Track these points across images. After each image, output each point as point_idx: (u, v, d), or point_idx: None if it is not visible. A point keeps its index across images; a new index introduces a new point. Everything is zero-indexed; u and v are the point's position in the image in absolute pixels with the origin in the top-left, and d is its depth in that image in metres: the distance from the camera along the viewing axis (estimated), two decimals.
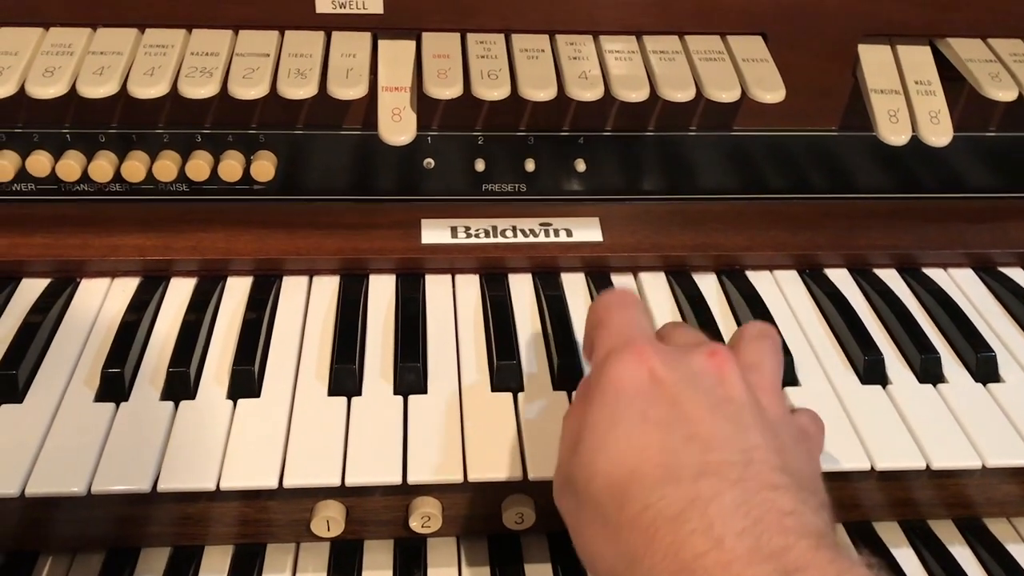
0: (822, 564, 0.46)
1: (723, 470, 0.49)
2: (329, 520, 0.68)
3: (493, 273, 0.83)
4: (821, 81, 0.84)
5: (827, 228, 0.87)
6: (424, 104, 0.77)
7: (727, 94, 0.76)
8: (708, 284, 0.83)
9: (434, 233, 0.84)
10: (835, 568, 0.46)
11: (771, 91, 0.76)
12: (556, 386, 0.72)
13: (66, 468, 0.63)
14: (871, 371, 0.74)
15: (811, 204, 0.89)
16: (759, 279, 0.84)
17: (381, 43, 0.79)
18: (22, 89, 0.72)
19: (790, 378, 0.73)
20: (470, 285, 0.82)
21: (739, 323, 0.79)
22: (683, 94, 0.75)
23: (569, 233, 0.84)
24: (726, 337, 0.75)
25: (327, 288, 0.81)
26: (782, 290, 0.83)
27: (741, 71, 0.78)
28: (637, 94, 0.75)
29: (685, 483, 0.48)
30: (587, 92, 0.74)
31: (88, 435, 0.65)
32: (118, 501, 0.66)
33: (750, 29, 0.82)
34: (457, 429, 0.67)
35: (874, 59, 0.82)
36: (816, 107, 0.85)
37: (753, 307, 0.79)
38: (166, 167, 0.79)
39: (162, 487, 0.62)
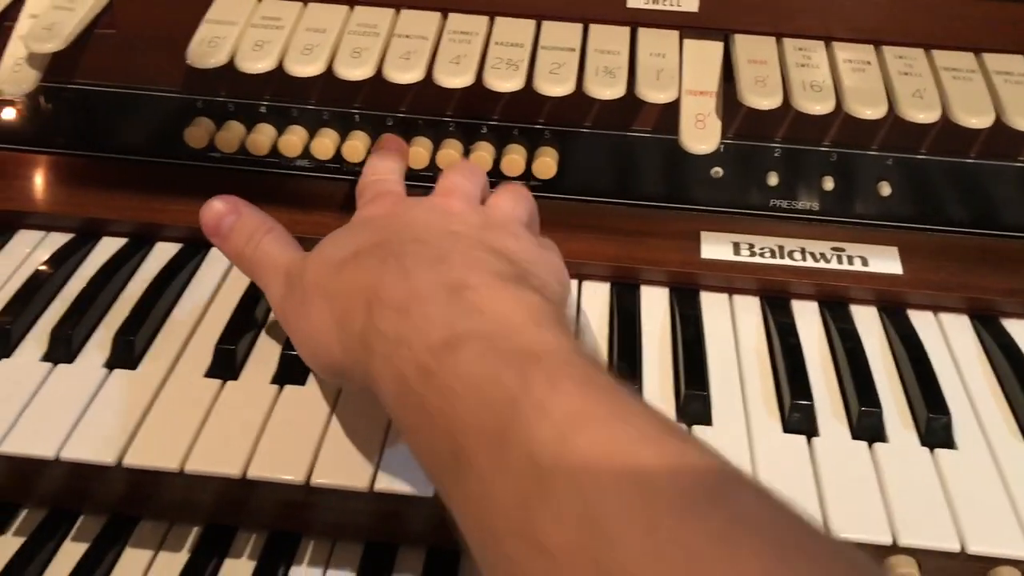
0: (495, 286, 0.51)
1: (431, 239, 0.56)
2: None
3: (775, 298, 0.77)
4: None
5: None
6: (726, 110, 0.72)
7: None
8: (1021, 333, 0.75)
9: (714, 248, 0.78)
10: (508, 294, 0.50)
11: None
12: (855, 435, 0.65)
13: (349, 462, 0.62)
14: None
15: None
16: None
17: (686, 42, 0.74)
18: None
19: None
20: (750, 308, 0.76)
21: None
22: None
23: (864, 262, 0.77)
24: None
25: (597, 295, 0.77)
26: None
27: None
28: (979, 120, 0.67)
29: (394, 245, 0.56)
30: (922, 114, 0.67)
31: (366, 426, 0.64)
32: (388, 499, 0.65)
33: None
34: (748, 470, 0.62)
35: None
36: None
37: None
38: (450, 156, 0.77)
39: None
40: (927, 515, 0.59)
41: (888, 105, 0.68)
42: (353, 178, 0.81)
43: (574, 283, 0.78)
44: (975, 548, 0.57)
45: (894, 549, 0.59)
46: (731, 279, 0.77)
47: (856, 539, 0.59)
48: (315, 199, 0.81)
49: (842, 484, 0.61)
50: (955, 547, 0.58)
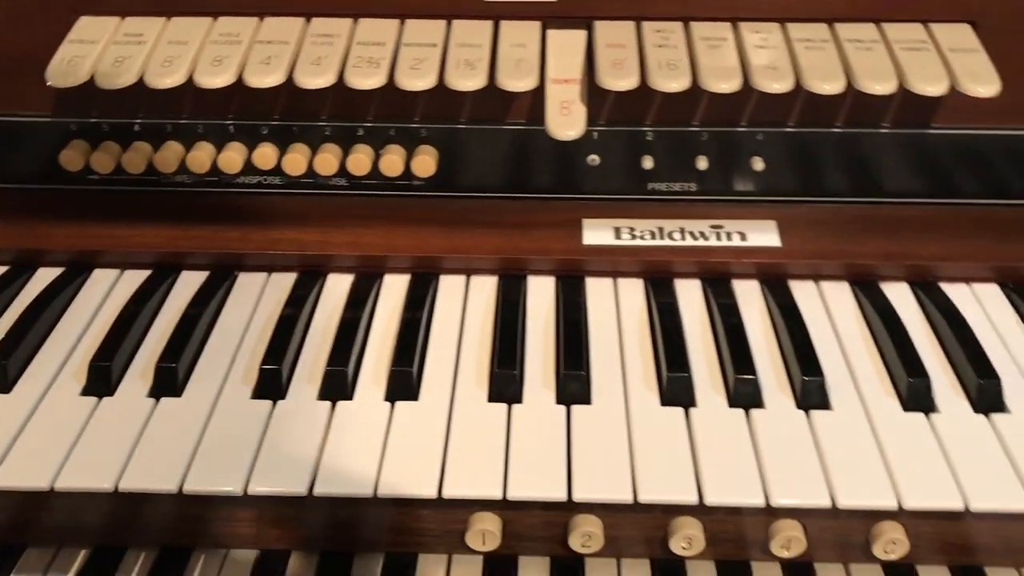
0: None
1: None
2: (485, 533, 0.64)
3: (658, 278, 0.78)
4: None
5: None
6: (592, 97, 0.73)
7: (934, 87, 0.68)
8: (899, 296, 0.76)
9: (596, 234, 0.79)
10: None
11: (985, 84, 0.68)
12: (732, 403, 0.66)
13: (223, 465, 0.61)
14: None
15: (1019, 211, 0.80)
16: (956, 293, 0.76)
17: (550, 33, 0.75)
18: (189, 79, 0.72)
19: (998, 404, 0.66)
20: (634, 290, 0.77)
21: (940, 340, 0.72)
22: (883, 86, 0.69)
23: (743, 237, 0.78)
24: (926, 358, 0.68)
25: (485, 288, 0.77)
26: (983, 306, 0.75)
27: (948, 62, 0.70)
28: (832, 86, 0.69)
29: None
30: (776, 83, 0.68)
31: (245, 433, 0.63)
32: (271, 502, 0.64)
33: (957, 17, 0.74)
34: (625, 445, 0.63)
35: None
36: None
37: (953, 324, 0.71)
38: (327, 160, 0.77)
39: (318, 491, 0.60)
40: (800, 475, 0.60)
41: (743, 78, 0.69)
42: (232, 190, 0.82)
43: (461, 279, 0.79)
44: (845, 502, 0.58)
45: (769, 511, 0.60)
46: (615, 263, 0.78)
47: (730, 503, 0.59)
48: (195, 214, 0.80)
49: (718, 452, 0.62)
50: (826, 503, 0.58)
